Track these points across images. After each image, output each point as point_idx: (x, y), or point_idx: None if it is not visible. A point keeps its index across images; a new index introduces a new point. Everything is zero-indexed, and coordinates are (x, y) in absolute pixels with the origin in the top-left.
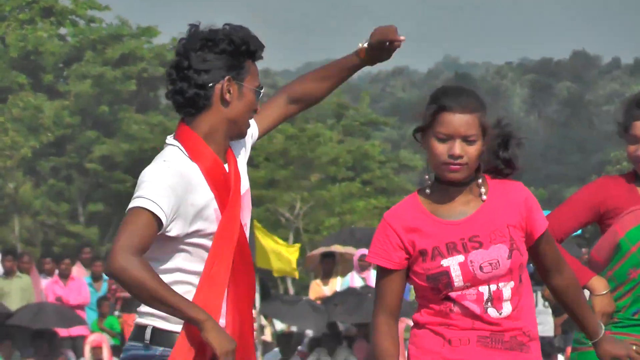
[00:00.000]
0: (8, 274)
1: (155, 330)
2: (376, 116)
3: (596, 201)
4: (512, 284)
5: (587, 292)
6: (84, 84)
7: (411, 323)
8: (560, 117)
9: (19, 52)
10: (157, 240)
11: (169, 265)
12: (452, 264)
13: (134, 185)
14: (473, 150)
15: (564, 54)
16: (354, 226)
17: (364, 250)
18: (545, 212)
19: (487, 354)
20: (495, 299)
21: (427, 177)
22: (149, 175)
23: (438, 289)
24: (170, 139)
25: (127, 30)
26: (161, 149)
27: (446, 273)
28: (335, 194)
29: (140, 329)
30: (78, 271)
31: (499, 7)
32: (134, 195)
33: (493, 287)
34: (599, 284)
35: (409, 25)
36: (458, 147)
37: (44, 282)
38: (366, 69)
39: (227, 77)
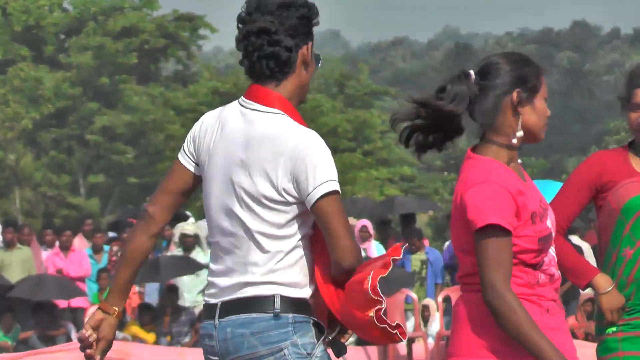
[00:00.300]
0: (9, 245)
1: (283, 298)
2: (377, 86)
3: (592, 177)
4: None
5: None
6: (85, 56)
7: (412, 294)
8: (561, 87)
9: (21, 25)
10: (298, 207)
11: (294, 231)
12: (551, 225)
13: (135, 156)
14: None
15: (564, 24)
16: (354, 197)
17: (365, 221)
18: (549, 182)
19: (564, 322)
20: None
21: (515, 140)
22: (320, 156)
23: (542, 250)
24: (267, 108)
25: (128, 2)
26: (161, 121)
27: (551, 235)
28: (336, 164)
29: (262, 300)
30: (80, 242)
31: None
32: (323, 179)
33: (552, 250)
34: (603, 281)
35: None
36: None
37: (45, 254)
38: (366, 38)
39: (310, 43)
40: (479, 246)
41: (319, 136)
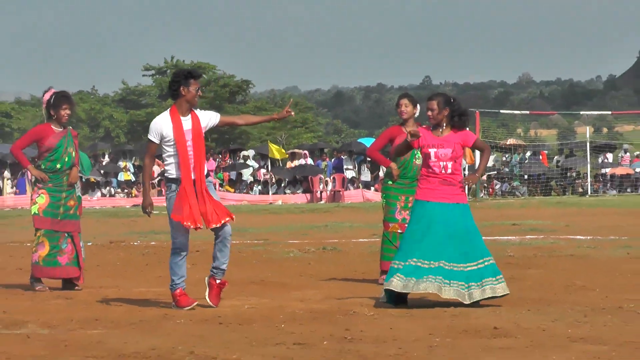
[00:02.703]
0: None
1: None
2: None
3: (390, 135)
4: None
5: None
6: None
7: (322, 176)
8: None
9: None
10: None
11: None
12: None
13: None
14: None
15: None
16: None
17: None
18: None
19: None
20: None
21: None
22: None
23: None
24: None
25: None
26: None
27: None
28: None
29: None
30: (210, 164)
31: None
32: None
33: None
34: (393, 165)
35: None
36: None
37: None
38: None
39: (181, 86)
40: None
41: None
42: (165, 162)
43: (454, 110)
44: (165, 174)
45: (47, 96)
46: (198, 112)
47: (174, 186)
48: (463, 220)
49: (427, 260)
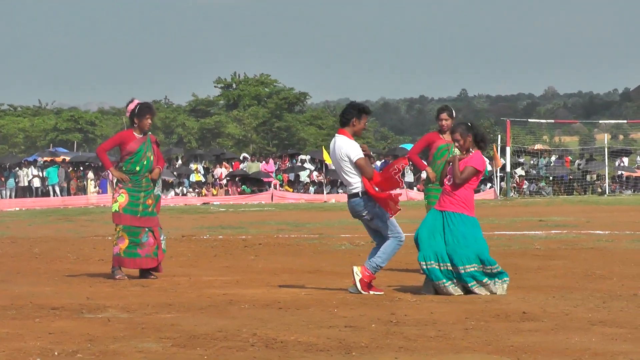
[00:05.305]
0: (251, 162)
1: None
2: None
3: (428, 139)
4: None
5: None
6: (258, 107)
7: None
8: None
9: (230, 97)
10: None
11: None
12: None
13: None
14: None
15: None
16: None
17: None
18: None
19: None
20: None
21: None
22: (350, 146)
23: None
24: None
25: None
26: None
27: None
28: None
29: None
30: (270, 166)
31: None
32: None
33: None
34: (429, 169)
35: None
36: None
37: (258, 164)
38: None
39: (354, 118)
40: None
41: (343, 138)
42: (353, 178)
43: (476, 134)
44: (352, 188)
45: (131, 106)
46: None
47: (364, 197)
48: (462, 227)
49: (436, 262)
